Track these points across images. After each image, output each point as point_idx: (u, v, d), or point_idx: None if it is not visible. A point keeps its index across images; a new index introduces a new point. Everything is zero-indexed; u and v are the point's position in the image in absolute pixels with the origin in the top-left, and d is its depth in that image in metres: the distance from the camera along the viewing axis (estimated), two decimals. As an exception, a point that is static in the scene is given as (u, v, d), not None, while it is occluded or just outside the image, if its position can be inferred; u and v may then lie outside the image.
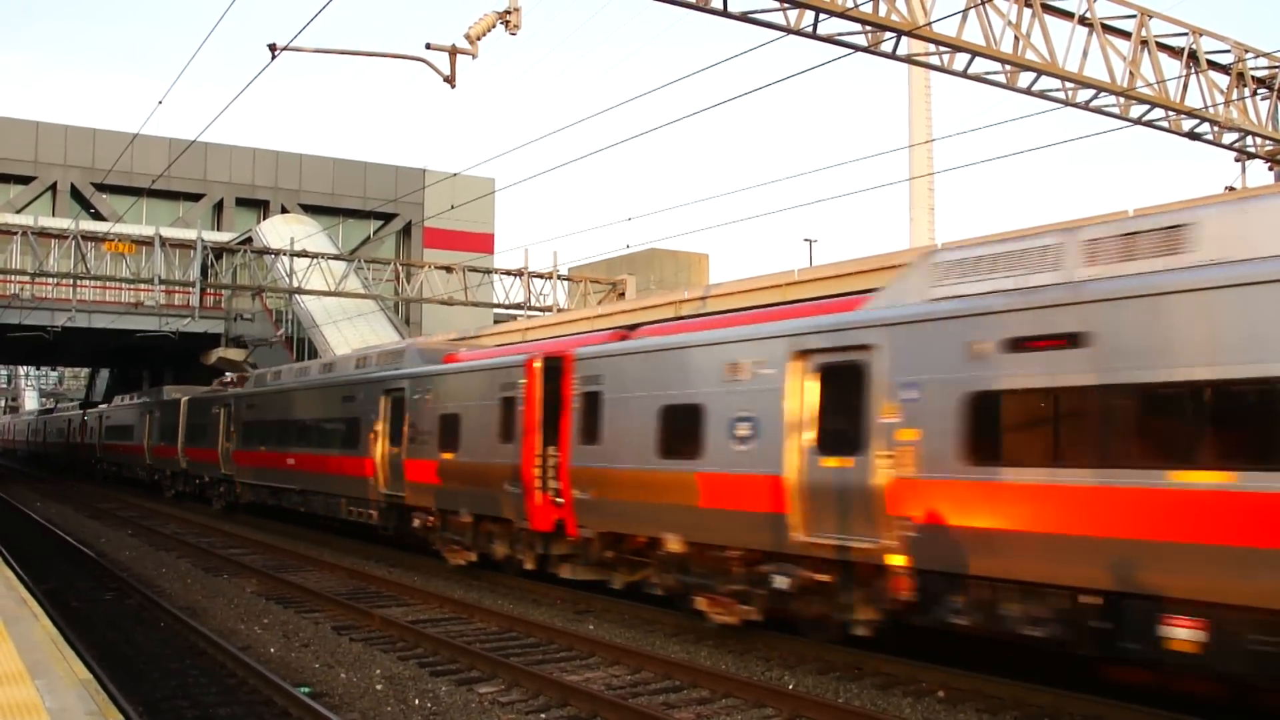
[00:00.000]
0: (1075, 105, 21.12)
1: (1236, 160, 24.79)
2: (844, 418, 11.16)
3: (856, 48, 18.35)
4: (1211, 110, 22.60)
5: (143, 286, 36.93)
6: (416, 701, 10.62)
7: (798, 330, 11.93)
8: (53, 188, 53.47)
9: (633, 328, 16.23)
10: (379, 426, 20.71)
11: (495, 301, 40.13)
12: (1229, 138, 23.77)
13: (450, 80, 15.57)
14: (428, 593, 16.93)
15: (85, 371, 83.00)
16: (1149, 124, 22.32)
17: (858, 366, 11.02)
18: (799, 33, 17.60)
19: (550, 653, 12.88)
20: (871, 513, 10.67)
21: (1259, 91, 23.87)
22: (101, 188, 52.32)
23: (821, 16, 17.55)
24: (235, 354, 46.56)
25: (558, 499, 15.56)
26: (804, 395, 11.62)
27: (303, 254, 36.49)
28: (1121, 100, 21.38)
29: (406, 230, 59.44)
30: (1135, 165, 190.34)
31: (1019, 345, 9.56)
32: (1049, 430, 9.59)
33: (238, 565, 20.28)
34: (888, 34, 18.44)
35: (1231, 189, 24.00)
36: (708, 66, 15.17)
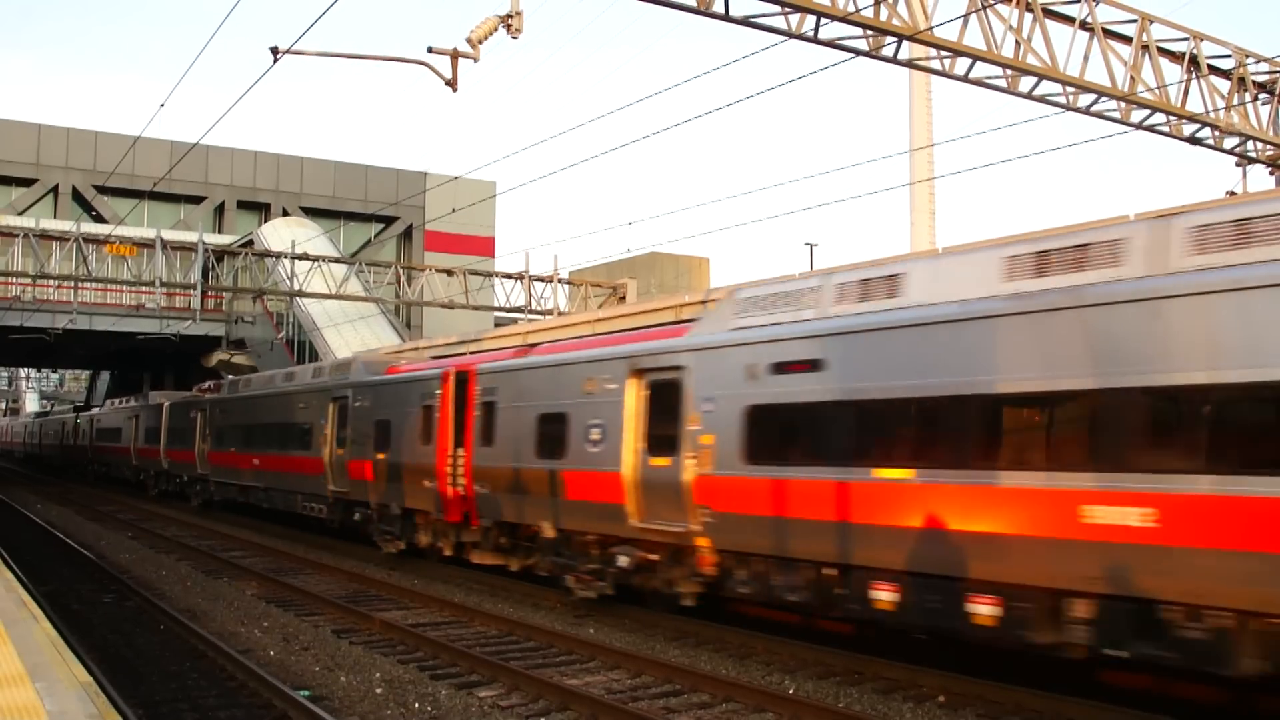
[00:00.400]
0: (1076, 110, 21.11)
1: (1238, 165, 24.80)
2: (666, 425, 13.55)
3: (858, 52, 18.35)
4: (1212, 115, 22.59)
5: (144, 289, 36.92)
6: (417, 705, 10.62)
7: (634, 352, 14.39)
8: (54, 190, 53.49)
9: (532, 346, 18.97)
10: (327, 430, 23.15)
11: (496, 305, 40.14)
12: (1230, 142, 23.76)
13: (452, 84, 15.58)
14: (428, 596, 16.93)
15: (86, 374, 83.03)
16: (1150, 129, 22.31)
17: (676, 383, 13.46)
18: (800, 37, 17.60)
19: (550, 656, 12.88)
20: (683, 503, 13.08)
21: (1260, 96, 23.86)
22: (103, 190, 52.34)
23: (823, 21, 17.55)
24: (236, 357, 46.59)
25: (464, 494, 17.83)
26: (638, 406, 14.09)
27: (304, 257, 36.49)
28: (1122, 105, 21.37)
29: (407, 233, 59.45)
30: (1137, 170, 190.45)
31: (780, 369, 12.11)
32: (801, 436, 11.91)
33: (238, 568, 20.28)
34: (889, 39, 18.44)
35: (1233, 193, 24.00)
36: (709, 71, 15.19)
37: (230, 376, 36.87)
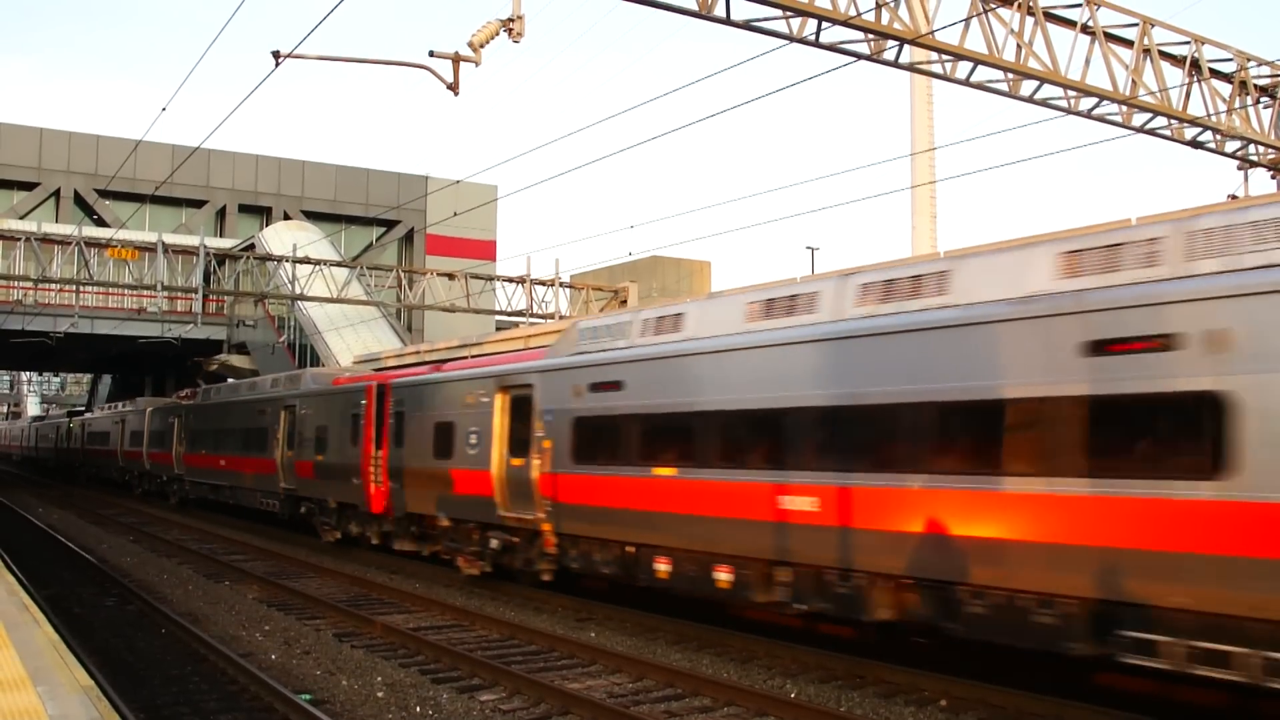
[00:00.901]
0: (1077, 113, 21.12)
1: (1239, 169, 24.80)
2: (522, 431, 16.58)
3: (859, 56, 18.37)
4: (1214, 119, 22.60)
5: (145, 293, 36.95)
6: (418, 709, 10.62)
7: (501, 372, 17.51)
8: (56, 194, 53.54)
9: (442, 363, 22.25)
10: (279, 435, 26.26)
11: (497, 308, 40.15)
12: (1231, 146, 23.77)
13: (453, 88, 15.59)
14: (429, 600, 16.92)
15: (87, 378, 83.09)
16: (1151, 132, 22.33)
17: (528, 397, 16.48)
18: (802, 41, 17.61)
19: (552, 660, 12.87)
20: (532, 495, 16.13)
21: (1261, 100, 23.87)
22: (105, 194, 52.38)
23: (824, 25, 17.57)
24: (238, 360, 46.59)
25: (384, 489, 20.87)
26: (503, 416, 17.11)
27: (305, 260, 36.51)
28: (1124, 108, 21.39)
29: (409, 237, 59.49)
30: (1138, 174, 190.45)
31: (596, 388, 15.10)
32: (609, 442, 14.80)
33: (239, 571, 20.28)
34: (890, 42, 18.45)
35: (1234, 197, 24.00)
36: (710, 74, 15.21)
37: (203, 385, 39.45)
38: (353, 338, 40.53)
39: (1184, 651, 8.63)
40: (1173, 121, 22.39)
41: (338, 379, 24.76)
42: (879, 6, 17.88)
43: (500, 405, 17.16)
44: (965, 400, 10.33)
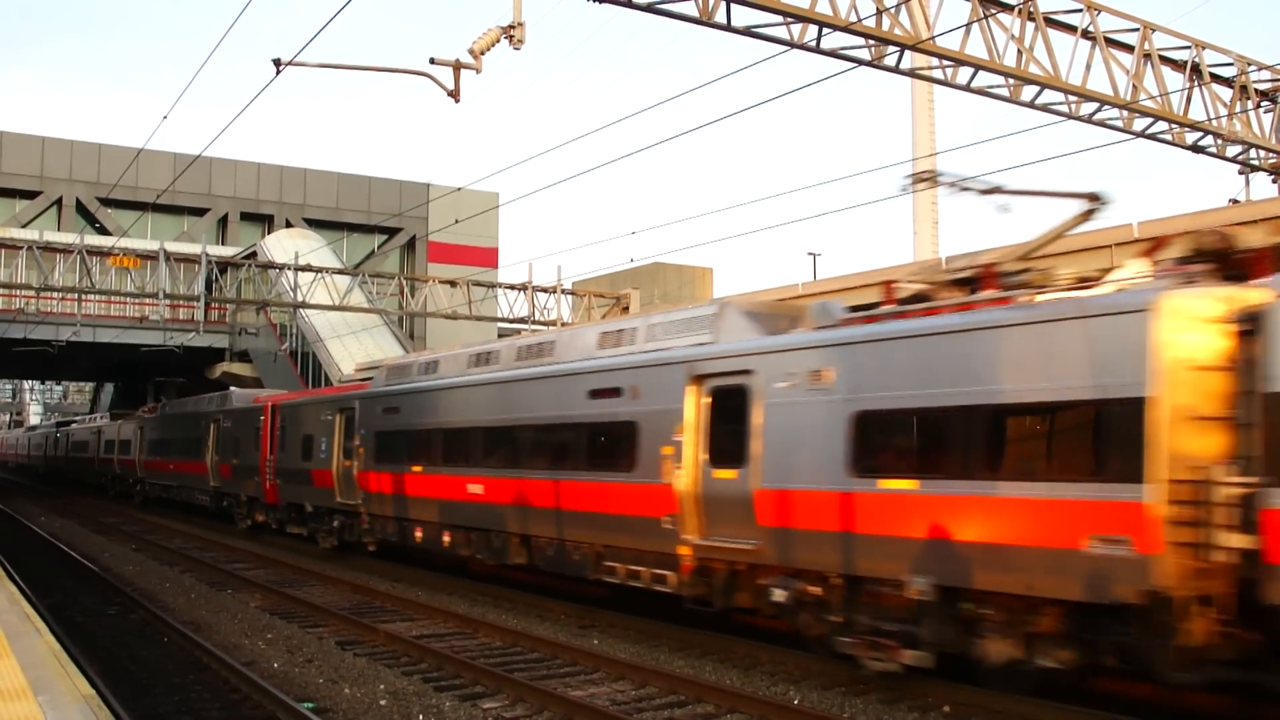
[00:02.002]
0: (1078, 119, 21.13)
1: (1240, 173, 24.80)
2: (349, 440, 22.57)
3: (860, 62, 18.38)
4: (1215, 123, 22.60)
5: (147, 301, 36.89)
6: (421, 717, 10.60)
7: (339, 397, 24.06)
8: (58, 202, 53.54)
9: (330, 386, 30.70)
10: (210, 443, 32.08)
11: (499, 316, 40.12)
12: (1232, 150, 23.76)
13: (454, 95, 15.59)
14: (432, 607, 16.91)
15: (90, 386, 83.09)
16: (1152, 137, 22.32)
17: (353, 415, 22.53)
18: (803, 47, 17.63)
19: (555, 668, 12.85)
20: (354, 487, 22.16)
21: (1262, 104, 23.87)
22: (107, 202, 52.39)
23: (825, 31, 17.58)
24: (240, 368, 46.57)
25: (275, 486, 27.06)
26: (340, 428, 23.08)
27: (307, 268, 36.51)
28: (1125, 113, 21.39)
29: (411, 244, 59.46)
30: (1139, 179, 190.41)
31: (386, 411, 21.22)
32: (391, 447, 20.90)
33: (241, 580, 20.26)
34: (891, 48, 18.47)
35: (1235, 202, 23.99)
36: (712, 81, 15.27)
37: (164, 399, 45.71)
38: (355, 345, 40.51)
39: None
40: (1174, 126, 22.39)
41: (257, 398, 30.73)
42: (880, 12, 17.89)
43: (338, 422, 23.21)
44: (542, 423, 16.49)
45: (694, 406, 13.48)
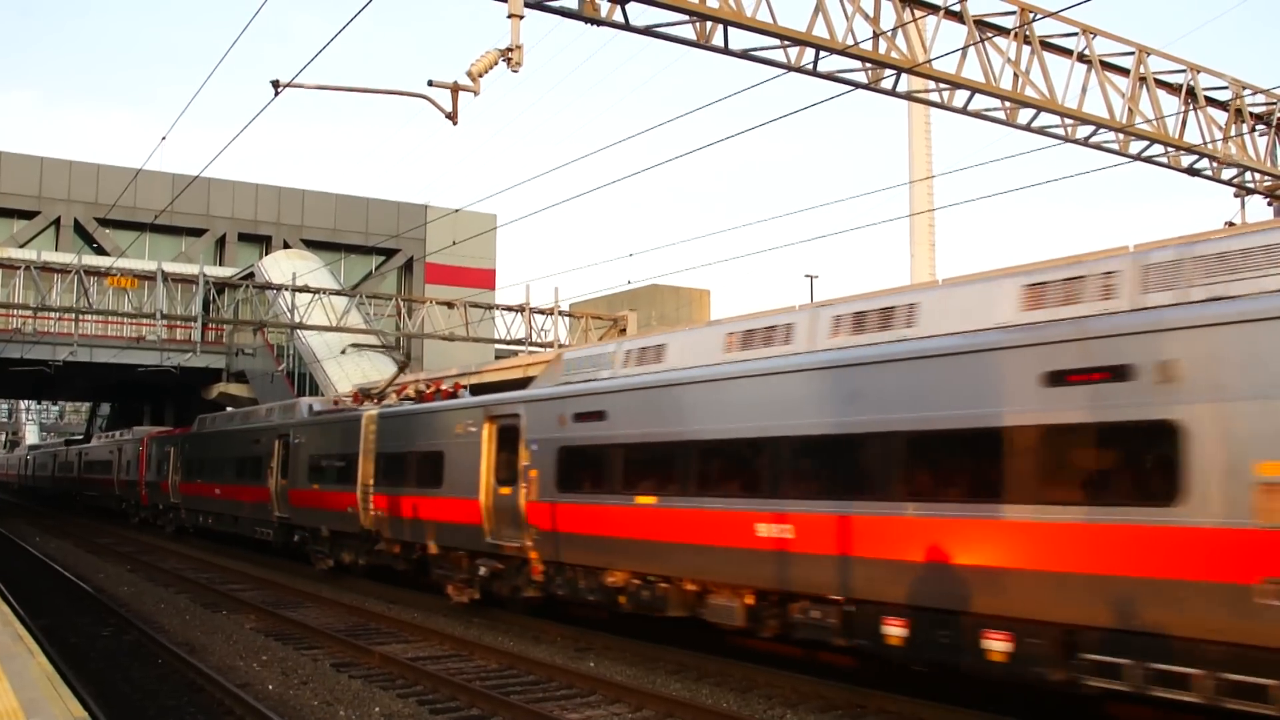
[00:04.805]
0: (1075, 141, 21.19)
1: (1236, 196, 24.85)
2: (284, 465, 25.69)
3: (857, 85, 18.43)
4: (1210, 146, 22.67)
5: (145, 321, 36.92)
6: (415, 740, 10.52)
7: (277, 422, 27.17)
8: (56, 223, 53.62)
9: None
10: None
11: (496, 337, 40.12)
12: (1228, 173, 23.83)
13: (452, 117, 15.59)
14: (428, 629, 16.83)
15: (86, 406, 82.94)
16: (1148, 160, 22.38)
17: (287, 441, 25.67)
18: (799, 70, 17.68)
19: (551, 690, 12.78)
20: (285, 503, 25.46)
21: (1257, 127, 23.96)
22: (105, 223, 52.47)
23: (822, 54, 17.63)
24: (236, 389, 46.50)
25: (173, 497, 35.04)
26: (277, 454, 26.06)
27: (304, 289, 36.53)
28: (1121, 136, 21.45)
29: (408, 266, 59.52)
30: (1135, 201, 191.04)
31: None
32: (313, 468, 23.86)
33: (236, 601, 20.17)
34: (888, 71, 18.52)
35: (1231, 224, 24.04)
36: (709, 103, 15.26)
37: (113, 431, 53.21)
38: (351, 366, 40.48)
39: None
40: (1169, 149, 22.45)
41: (162, 431, 38.08)
42: (876, 35, 17.96)
43: (276, 447, 26.12)
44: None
45: None
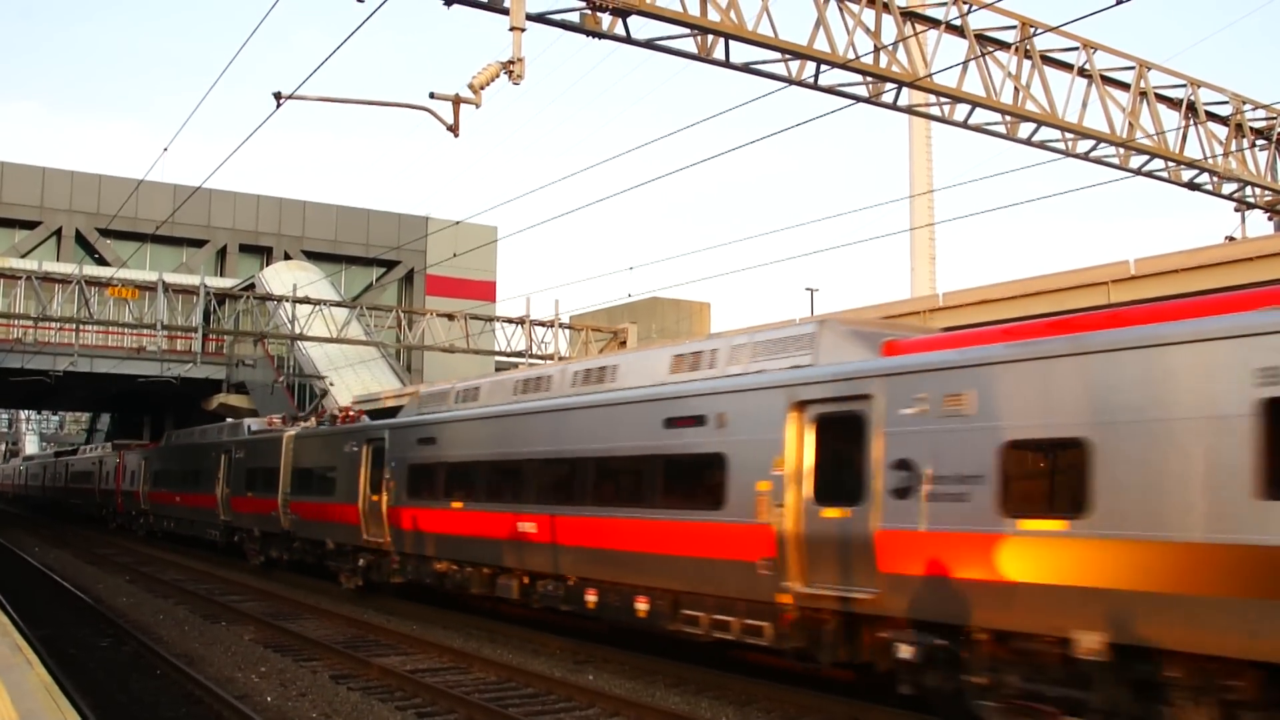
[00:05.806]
0: (1075, 156, 21.24)
1: (1236, 210, 24.90)
2: (228, 476, 29.35)
3: (858, 99, 18.49)
4: (1210, 161, 22.71)
5: (145, 332, 36.96)
6: (414, 752, 10.49)
7: (225, 439, 30.70)
8: (58, 233, 53.67)
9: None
10: (113, 473, 42.58)
11: (497, 349, 40.10)
12: (1228, 188, 23.88)
13: (454, 129, 15.63)
14: (426, 642, 16.79)
15: (87, 416, 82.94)
16: (1149, 174, 22.43)
17: (232, 456, 29.29)
18: (801, 84, 17.74)
19: (550, 703, 12.74)
20: (229, 508, 29.22)
21: (1257, 142, 24.01)
22: (106, 233, 52.50)
23: (823, 68, 17.69)
24: (236, 400, 46.49)
25: (143, 505, 38.77)
26: (223, 466, 29.76)
27: (305, 300, 36.56)
28: (1121, 151, 21.50)
29: (409, 277, 59.55)
30: (1136, 216, 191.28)
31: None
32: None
33: (235, 612, 20.13)
34: (889, 85, 18.59)
35: (1231, 239, 24.07)
36: (710, 116, 15.33)
37: (107, 442, 55.49)
38: (352, 378, 40.49)
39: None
40: (1170, 163, 22.50)
41: (132, 446, 40.67)
42: (877, 50, 18.02)
43: (222, 461, 29.83)
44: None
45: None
